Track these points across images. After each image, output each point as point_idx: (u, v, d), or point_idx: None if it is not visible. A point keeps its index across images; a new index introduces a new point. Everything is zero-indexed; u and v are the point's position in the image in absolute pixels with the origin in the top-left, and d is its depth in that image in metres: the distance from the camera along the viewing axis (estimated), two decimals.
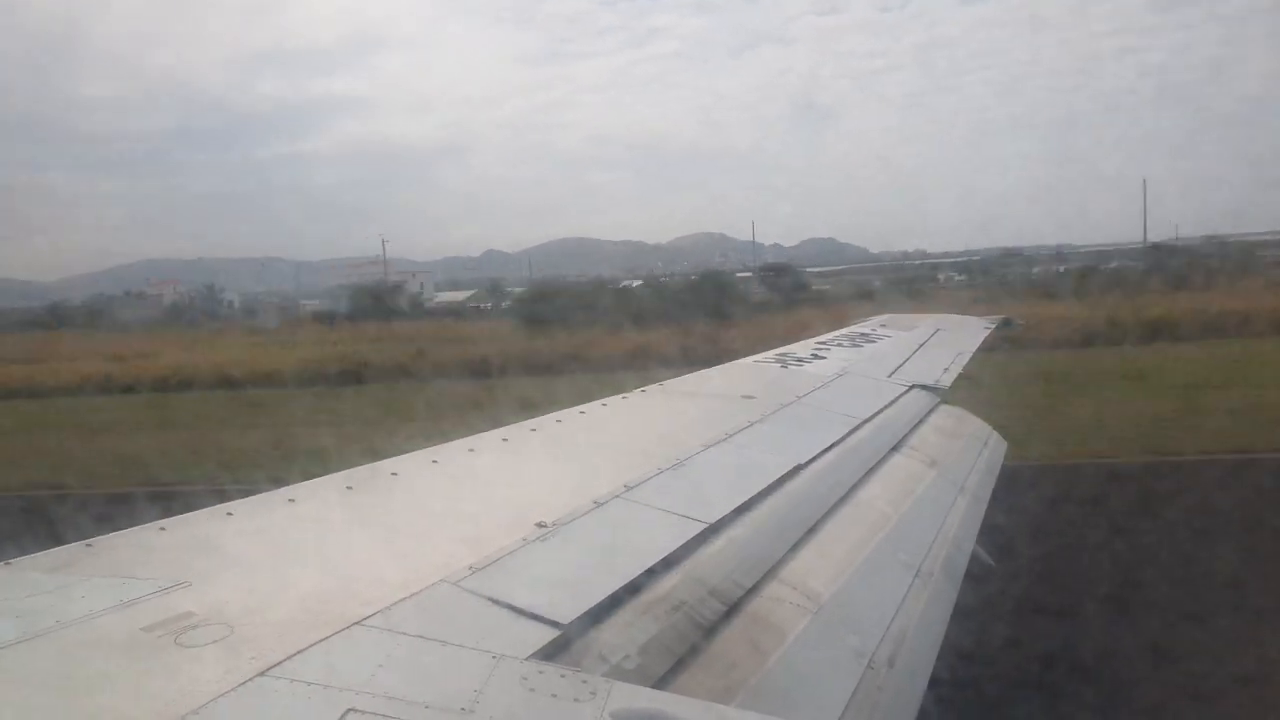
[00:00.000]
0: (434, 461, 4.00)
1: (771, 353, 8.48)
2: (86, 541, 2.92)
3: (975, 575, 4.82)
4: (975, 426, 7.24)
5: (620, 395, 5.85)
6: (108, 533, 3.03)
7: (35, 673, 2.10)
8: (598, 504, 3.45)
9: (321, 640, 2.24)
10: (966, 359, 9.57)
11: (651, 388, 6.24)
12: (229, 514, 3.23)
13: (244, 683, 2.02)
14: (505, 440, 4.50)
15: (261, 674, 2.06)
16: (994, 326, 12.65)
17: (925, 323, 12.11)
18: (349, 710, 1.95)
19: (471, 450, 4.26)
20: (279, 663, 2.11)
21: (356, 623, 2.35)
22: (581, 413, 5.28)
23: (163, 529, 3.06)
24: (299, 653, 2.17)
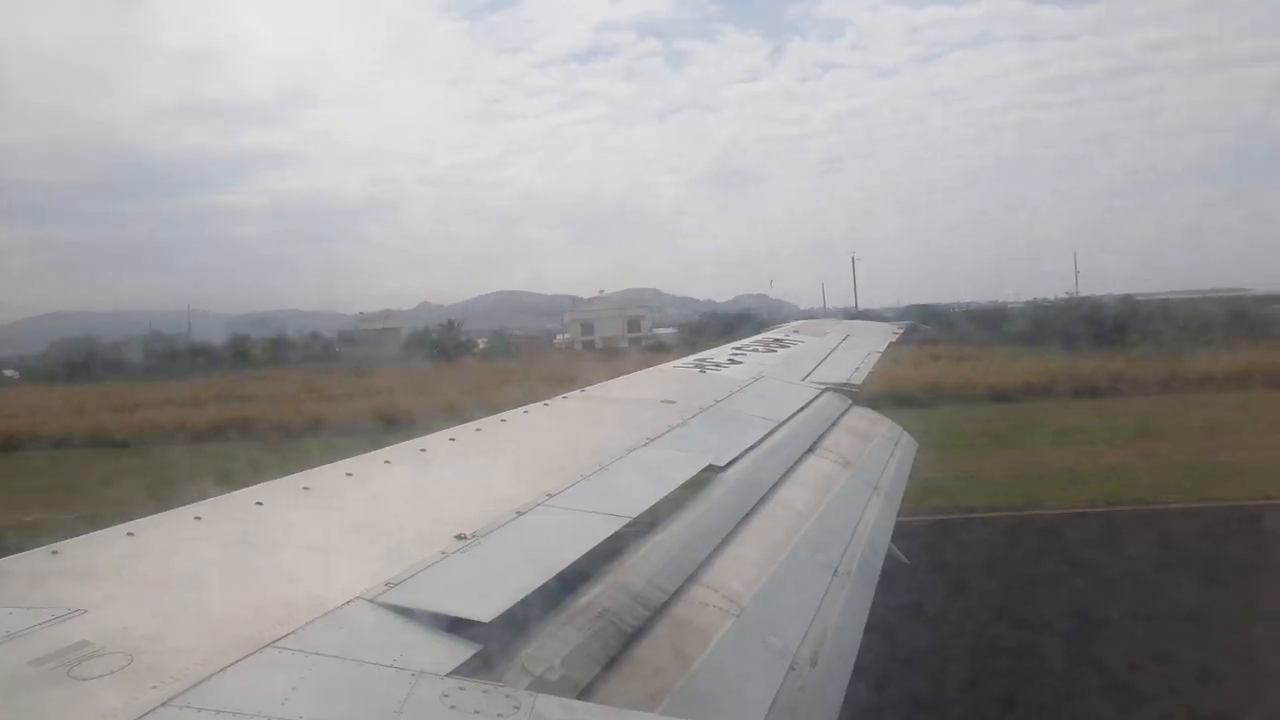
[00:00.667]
0: (349, 474, 3.88)
1: (690, 358, 8.54)
2: None
3: (891, 573, 4.93)
4: (886, 427, 7.41)
5: (542, 402, 5.79)
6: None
7: None
8: (519, 513, 3.40)
9: (230, 665, 2.14)
10: (875, 359, 9.83)
11: (573, 393, 6.20)
12: (129, 534, 3.06)
13: (144, 714, 1.91)
14: (423, 450, 4.40)
15: (164, 704, 1.95)
16: (901, 330, 13.05)
17: (835, 328, 12.38)
18: None
19: (388, 461, 4.14)
20: (183, 691, 2.00)
21: (268, 644, 2.25)
22: (503, 420, 5.21)
23: (55, 553, 2.88)
24: (205, 679, 2.06)
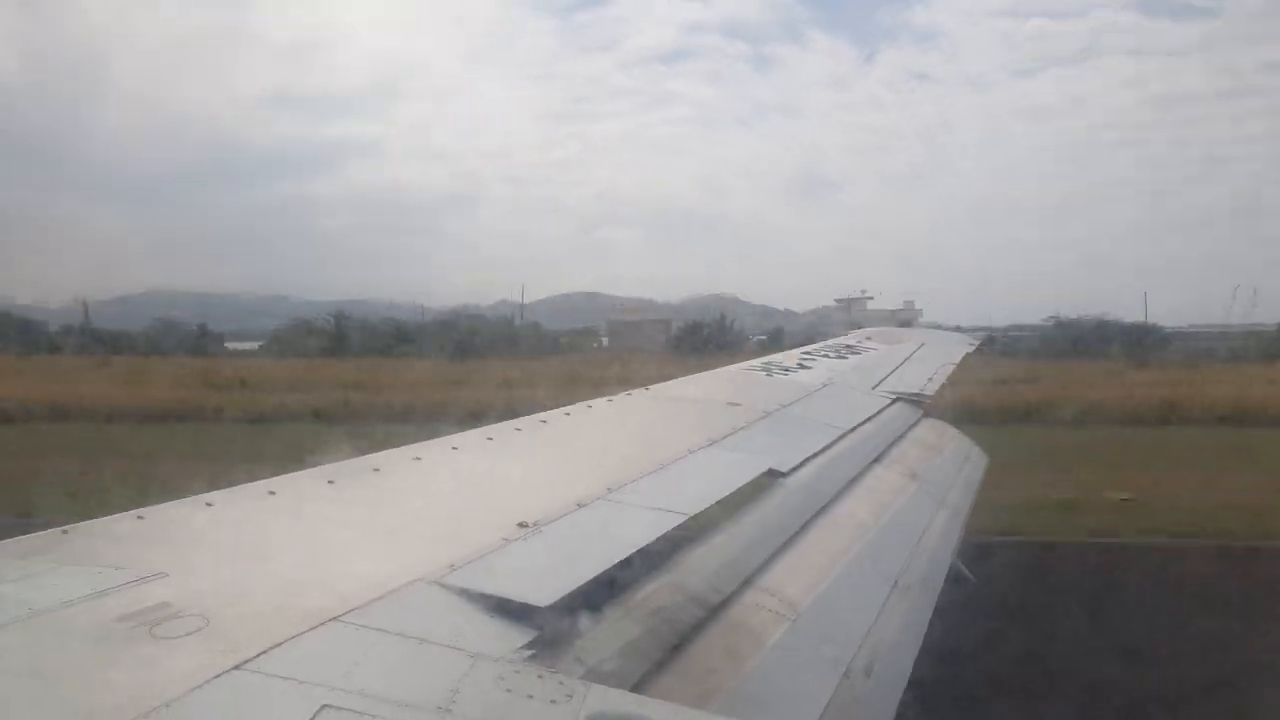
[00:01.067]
0: (417, 459, 3.98)
1: (758, 361, 8.50)
2: (62, 528, 2.88)
3: (954, 589, 4.85)
4: (957, 440, 7.28)
5: (606, 398, 5.84)
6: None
7: (7, 662, 2.07)
8: (580, 505, 3.45)
9: (298, 635, 2.22)
10: (950, 370, 9.63)
11: (638, 391, 6.24)
12: (208, 504, 3.20)
13: (218, 676, 2.00)
14: (490, 439, 4.48)
15: (236, 668, 2.04)
16: (978, 343, 12.77)
17: (911, 337, 12.17)
18: (324, 706, 1.94)
19: (455, 449, 4.24)
20: (254, 657, 2.09)
21: (334, 618, 2.33)
22: (566, 414, 5.27)
23: (141, 518, 3.03)
24: (275, 647, 2.15)
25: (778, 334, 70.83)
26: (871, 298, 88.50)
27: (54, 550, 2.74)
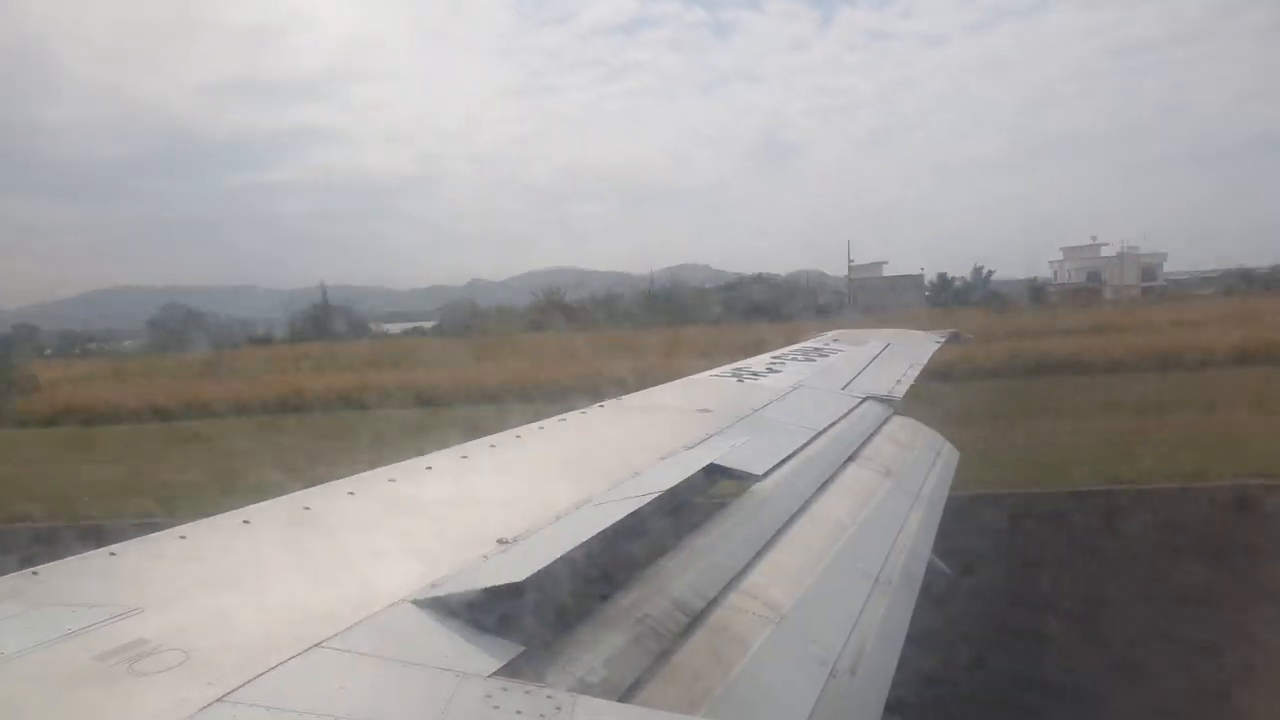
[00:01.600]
0: (391, 480, 3.95)
1: (727, 367, 8.53)
2: (32, 570, 2.82)
3: (932, 583, 4.90)
4: (928, 437, 7.36)
5: (578, 410, 5.84)
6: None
7: None
8: (557, 517, 3.44)
9: (280, 664, 2.20)
10: (918, 371, 9.72)
11: (608, 403, 6.25)
12: (182, 537, 3.16)
13: (201, 709, 1.97)
14: (464, 458, 4.47)
15: (219, 700, 2.02)
16: (944, 340, 12.88)
17: (877, 337, 12.27)
18: None
19: (430, 468, 4.22)
20: (237, 688, 2.07)
21: (316, 645, 2.31)
22: (540, 429, 5.26)
23: (113, 554, 2.98)
24: (257, 677, 2.13)
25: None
26: (885, 262, 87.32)
27: (25, 593, 2.68)
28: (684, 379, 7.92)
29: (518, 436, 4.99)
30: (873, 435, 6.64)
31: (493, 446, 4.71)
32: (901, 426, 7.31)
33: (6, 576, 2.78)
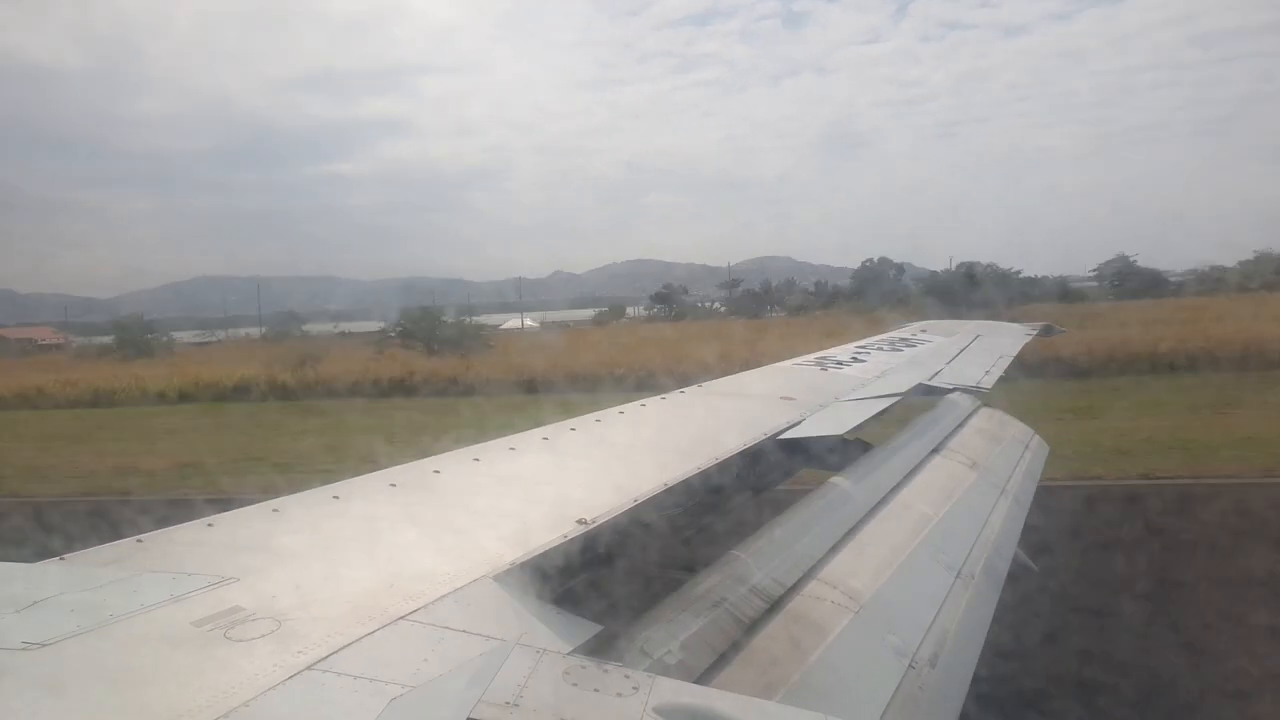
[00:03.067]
0: (475, 460, 4.03)
1: (811, 356, 8.44)
2: (138, 537, 2.97)
3: (1018, 578, 4.76)
4: (1017, 429, 7.15)
5: (659, 396, 5.85)
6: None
7: (91, 666, 2.14)
8: (636, 501, 3.46)
9: (367, 635, 2.27)
10: (1007, 363, 9.45)
11: (690, 389, 6.24)
12: (275, 510, 3.28)
13: (292, 676, 2.05)
14: (546, 439, 4.53)
15: (309, 667, 2.09)
16: (1035, 333, 12.48)
17: (965, 329, 11.97)
18: (394, 701, 1.98)
19: (513, 449, 4.28)
20: (326, 656, 2.14)
21: (401, 617, 2.38)
22: (621, 413, 5.29)
23: (210, 525, 3.12)
24: (345, 646, 2.20)
25: None
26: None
27: (130, 559, 2.83)
28: (766, 366, 7.86)
29: (597, 420, 5.03)
30: (959, 426, 6.48)
31: (573, 430, 4.76)
32: (989, 418, 7.11)
33: (113, 543, 2.94)
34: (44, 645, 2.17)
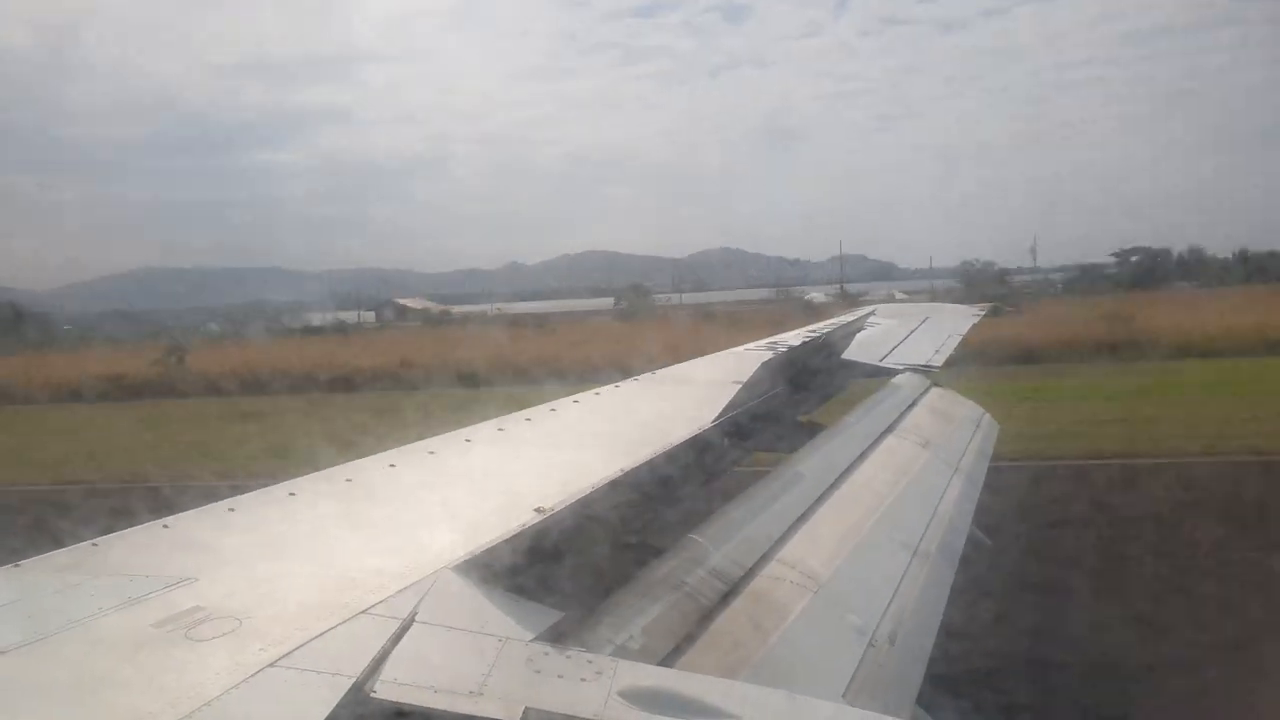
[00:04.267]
0: (430, 453, 4.02)
1: (763, 341, 8.51)
2: (92, 541, 2.92)
3: (972, 555, 4.87)
4: (967, 408, 7.30)
5: (612, 384, 5.87)
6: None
7: (49, 672, 2.11)
8: (594, 488, 3.47)
9: (328, 630, 2.26)
10: (956, 342, 9.64)
11: (644, 376, 6.27)
12: (230, 510, 3.25)
13: (255, 673, 2.04)
14: (501, 430, 4.52)
15: (271, 664, 2.08)
16: (983, 313, 12.74)
17: (914, 311, 12.18)
18: (358, 694, 1.98)
19: (468, 441, 4.28)
20: (288, 653, 2.13)
21: (362, 611, 2.37)
22: (575, 401, 5.30)
23: (166, 526, 3.07)
24: (306, 642, 2.19)
25: None
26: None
27: (86, 563, 2.78)
28: (720, 352, 7.91)
29: (552, 410, 5.03)
30: (911, 406, 6.60)
31: (528, 420, 4.76)
32: (940, 397, 7.25)
33: (67, 548, 2.89)
34: (2, 652, 2.13)
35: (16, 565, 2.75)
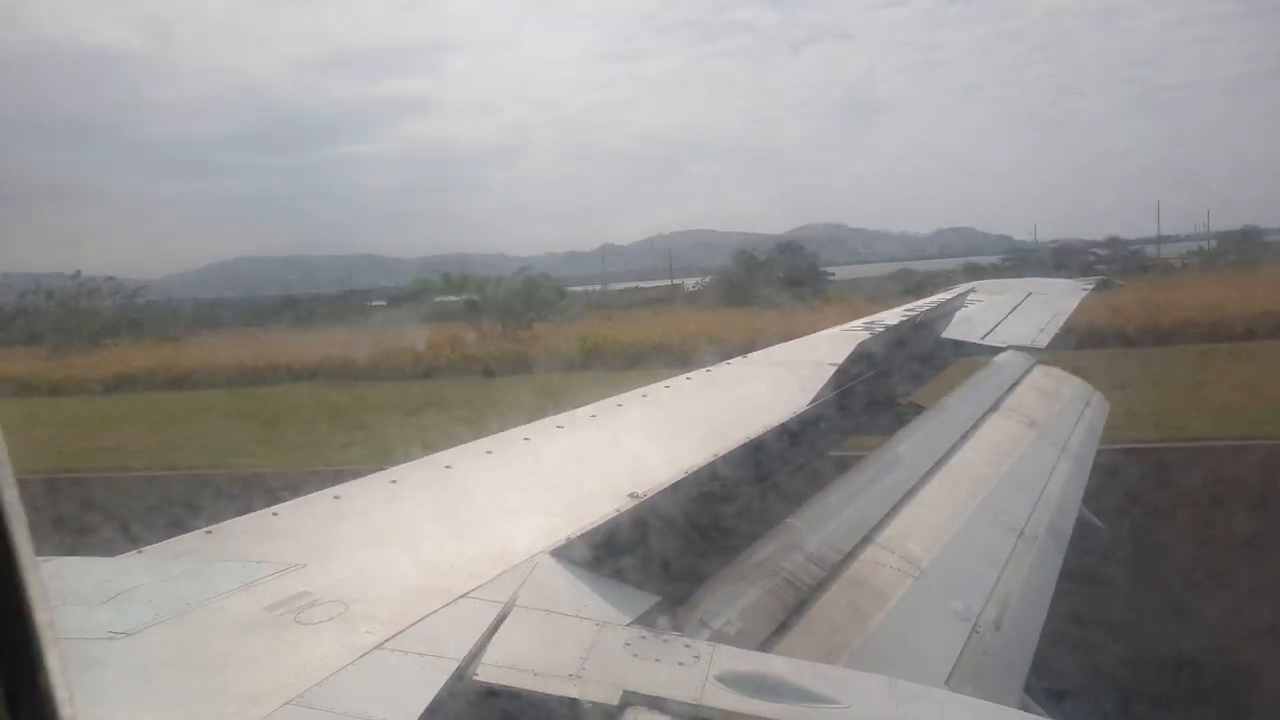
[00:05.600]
0: (526, 439, 4.07)
1: (859, 321, 8.34)
2: (207, 529, 3.06)
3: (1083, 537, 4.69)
4: (1075, 387, 7.01)
5: (705, 369, 5.84)
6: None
7: (173, 652, 2.22)
8: (688, 473, 3.45)
9: (431, 613, 2.32)
10: (1063, 320, 9.24)
11: (736, 360, 6.22)
12: (336, 497, 3.35)
13: (361, 656, 2.10)
14: (594, 416, 4.55)
15: (378, 647, 2.14)
16: (1091, 287, 12.16)
17: (1016, 287, 11.73)
18: (461, 677, 2.02)
19: (561, 427, 4.32)
20: (393, 636, 2.19)
21: (463, 595, 2.42)
22: (667, 386, 5.29)
23: (276, 514, 3.20)
24: (411, 626, 2.25)
25: None
26: None
27: (202, 549, 2.92)
28: (816, 334, 7.79)
29: (644, 395, 5.03)
30: (1015, 384, 6.37)
31: (619, 406, 4.78)
32: (1046, 375, 6.98)
33: (183, 536, 3.03)
34: (129, 634, 2.25)
35: (140, 552, 2.91)
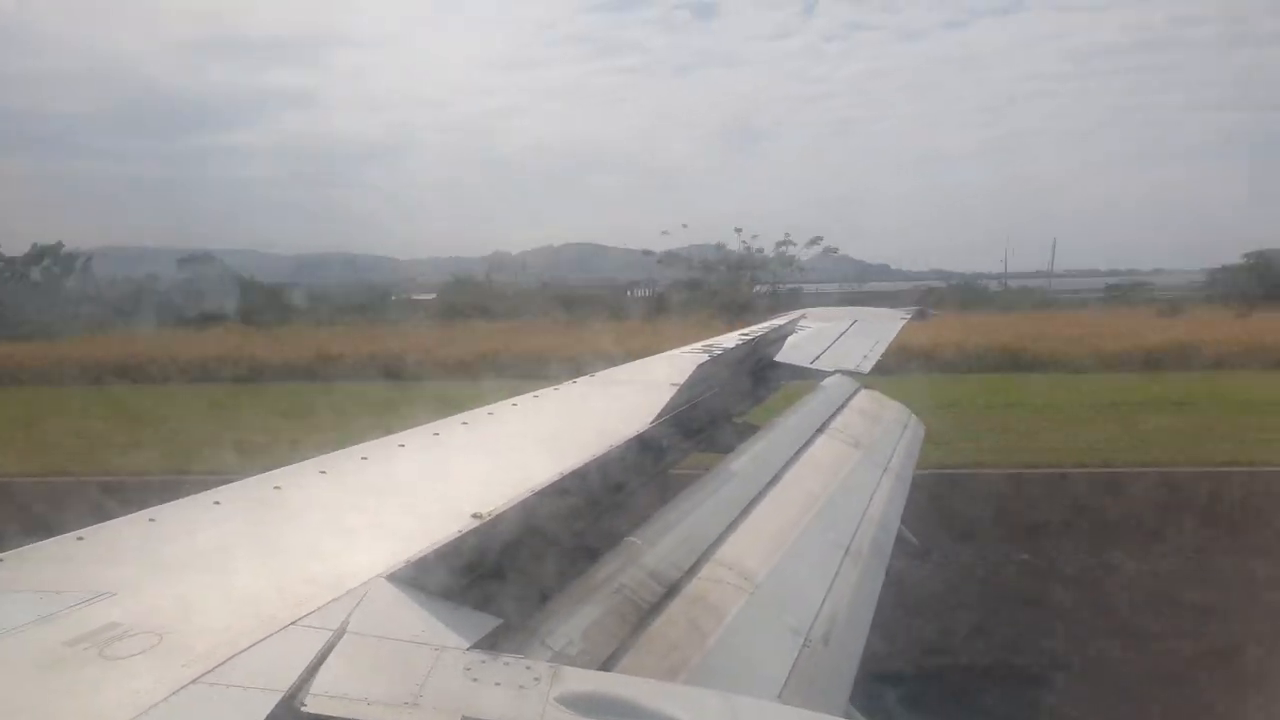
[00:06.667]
0: (364, 458, 3.93)
1: (698, 344, 8.55)
2: None
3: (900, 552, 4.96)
4: (895, 410, 7.44)
5: (552, 386, 5.84)
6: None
7: None
8: (532, 493, 3.43)
9: (255, 644, 2.18)
10: (884, 347, 9.82)
11: (581, 379, 6.25)
12: (151, 520, 3.12)
13: (176, 691, 1.95)
14: (436, 435, 4.45)
15: (195, 681, 1.99)
16: (909, 317, 13.00)
17: (843, 315, 12.36)
18: (287, 709, 1.91)
19: (402, 446, 4.19)
20: (213, 668, 2.05)
21: (292, 623, 2.29)
22: (513, 405, 5.25)
23: (80, 539, 2.93)
24: (233, 657, 2.10)
25: None
26: None
27: None
28: (656, 356, 7.94)
29: (490, 413, 4.98)
30: (841, 407, 6.70)
31: (464, 424, 4.70)
32: (869, 399, 7.38)
33: None
34: None
35: None
